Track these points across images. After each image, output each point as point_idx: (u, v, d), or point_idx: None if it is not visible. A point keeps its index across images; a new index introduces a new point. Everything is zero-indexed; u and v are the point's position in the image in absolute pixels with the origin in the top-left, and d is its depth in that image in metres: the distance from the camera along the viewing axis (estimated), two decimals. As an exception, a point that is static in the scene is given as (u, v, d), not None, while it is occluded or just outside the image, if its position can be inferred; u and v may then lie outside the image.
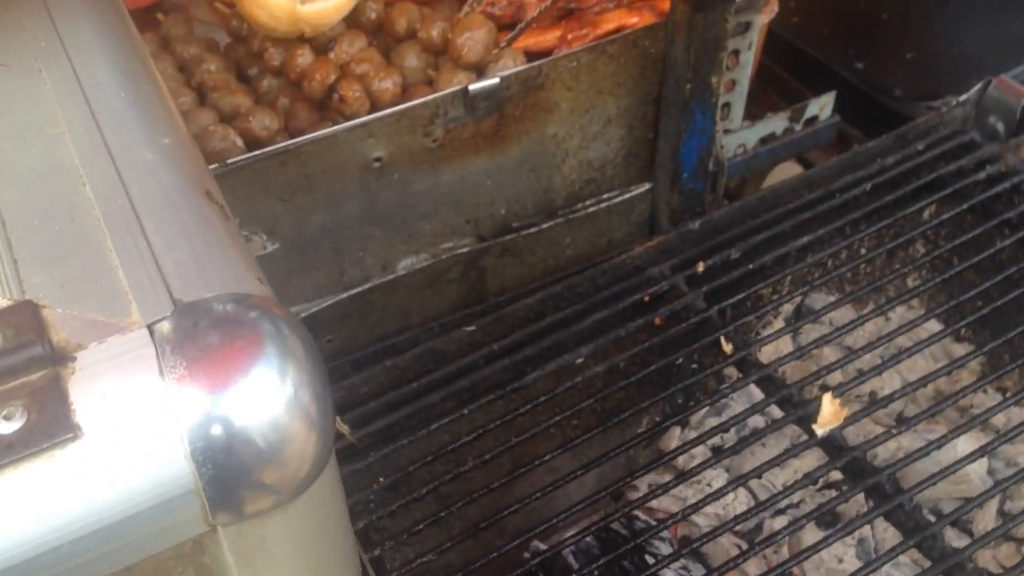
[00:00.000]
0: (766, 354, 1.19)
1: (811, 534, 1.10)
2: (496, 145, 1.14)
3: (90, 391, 0.44)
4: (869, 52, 1.50)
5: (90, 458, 0.43)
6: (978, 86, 1.33)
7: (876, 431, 1.11)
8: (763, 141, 1.34)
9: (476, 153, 1.14)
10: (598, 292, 1.14)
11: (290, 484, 0.47)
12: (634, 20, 1.16)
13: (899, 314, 1.32)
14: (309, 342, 0.49)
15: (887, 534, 1.10)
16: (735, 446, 1.02)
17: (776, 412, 1.05)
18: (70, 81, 0.60)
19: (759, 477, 1.02)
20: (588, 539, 1.02)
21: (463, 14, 1.17)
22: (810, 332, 1.29)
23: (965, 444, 1.07)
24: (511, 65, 1.13)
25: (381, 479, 0.98)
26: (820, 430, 1.01)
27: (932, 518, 0.99)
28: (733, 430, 1.16)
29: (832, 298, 1.30)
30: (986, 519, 1.10)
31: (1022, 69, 1.36)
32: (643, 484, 1.16)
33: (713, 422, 1.22)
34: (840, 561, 1.10)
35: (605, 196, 1.26)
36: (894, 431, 1.01)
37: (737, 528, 1.05)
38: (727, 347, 1.09)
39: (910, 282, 1.31)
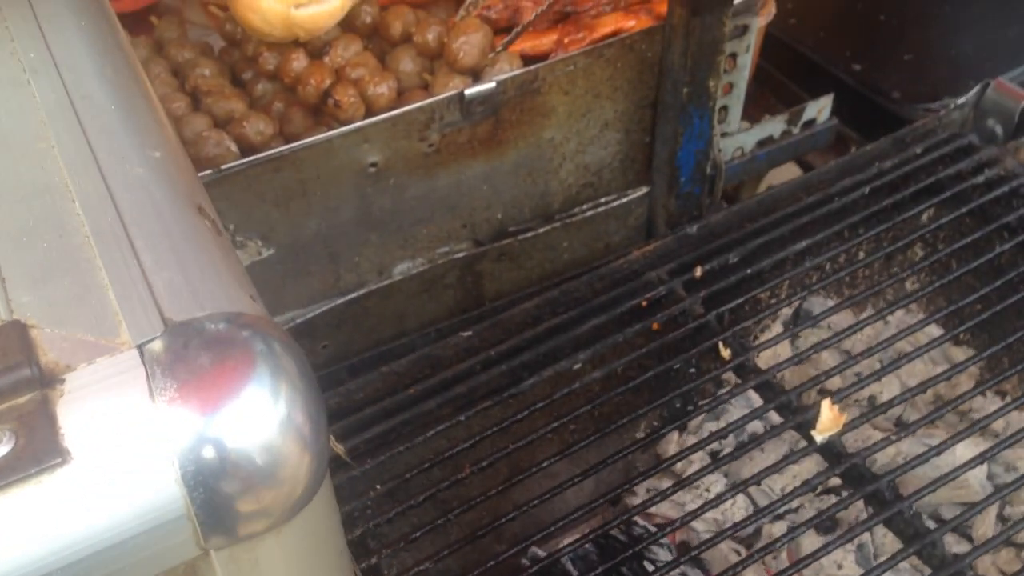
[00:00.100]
0: (764, 359, 1.18)
1: (810, 540, 1.10)
2: (492, 149, 1.13)
3: (79, 414, 0.43)
4: (867, 55, 1.50)
5: (79, 483, 0.42)
6: (976, 89, 1.32)
7: (875, 437, 1.11)
8: (761, 144, 1.34)
9: (472, 158, 1.13)
10: (595, 297, 1.13)
11: (284, 506, 0.46)
12: (631, 24, 1.15)
13: (898, 318, 1.32)
14: (303, 361, 0.48)
15: (886, 540, 1.10)
16: (734, 452, 1.02)
17: (775, 418, 1.05)
18: (59, 94, 0.59)
19: (758, 483, 1.01)
20: (587, 546, 1.01)
21: (459, 18, 1.16)
22: (809, 337, 1.28)
23: (965, 449, 1.06)
24: (507, 69, 1.12)
25: (378, 486, 0.97)
26: (819, 436, 1.00)
27: (932, 524, 0.98)
28: (732, 436, 1.16)
29: (831, 302, 1.30)
30: (986, 525, 1.10)
31: (1020, 71, 1.36)
32: (641, 490, 1.15)
33: (712, 427, 1.22)
34: (839, 567, 1.09)
35: (602, 200, 1.26)
36: (893, 437, 1.01)
37: (736, 534, 1.05)
38: (725, 352, 1.08)
39: (909, 286, 1.30)
